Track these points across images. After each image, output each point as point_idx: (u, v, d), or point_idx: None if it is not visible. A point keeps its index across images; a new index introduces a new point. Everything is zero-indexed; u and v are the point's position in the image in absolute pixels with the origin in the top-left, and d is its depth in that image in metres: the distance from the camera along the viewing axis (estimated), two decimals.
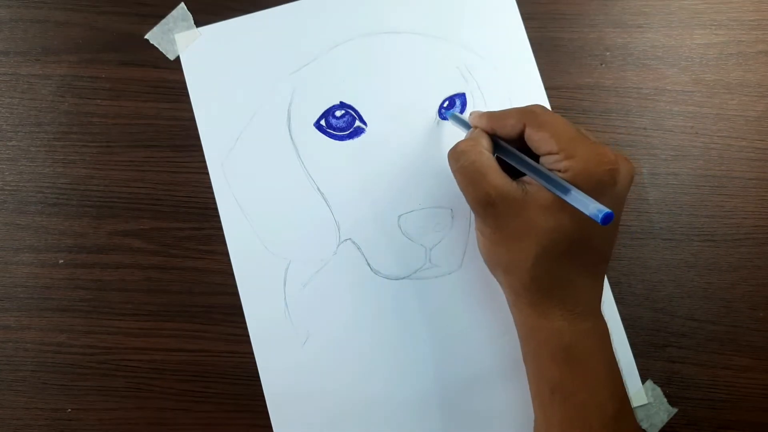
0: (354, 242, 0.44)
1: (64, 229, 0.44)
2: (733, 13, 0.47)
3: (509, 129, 0.37)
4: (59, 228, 0.44)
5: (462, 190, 0.37)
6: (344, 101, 0.45)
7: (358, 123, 0.45)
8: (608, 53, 0.47)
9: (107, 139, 0.45)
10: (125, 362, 0.43)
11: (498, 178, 0.36)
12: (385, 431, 0.42)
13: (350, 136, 0.45)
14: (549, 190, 0.35)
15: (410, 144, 0.44)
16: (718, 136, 0.46)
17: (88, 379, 0.43)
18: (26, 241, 0.44)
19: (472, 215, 0.44)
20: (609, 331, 0.38)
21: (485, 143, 0.38)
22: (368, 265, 0.43)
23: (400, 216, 0.43)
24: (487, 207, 0.36)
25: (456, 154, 0.38)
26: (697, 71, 0.47)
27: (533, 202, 0.35)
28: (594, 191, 0.33)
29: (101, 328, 0.43)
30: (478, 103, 0.45)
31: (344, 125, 0.45)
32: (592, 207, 0.31)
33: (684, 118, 0.46)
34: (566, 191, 0.33)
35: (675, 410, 0.43)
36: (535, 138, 0.36)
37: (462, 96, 0.45)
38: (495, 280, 0.40)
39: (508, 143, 0.38)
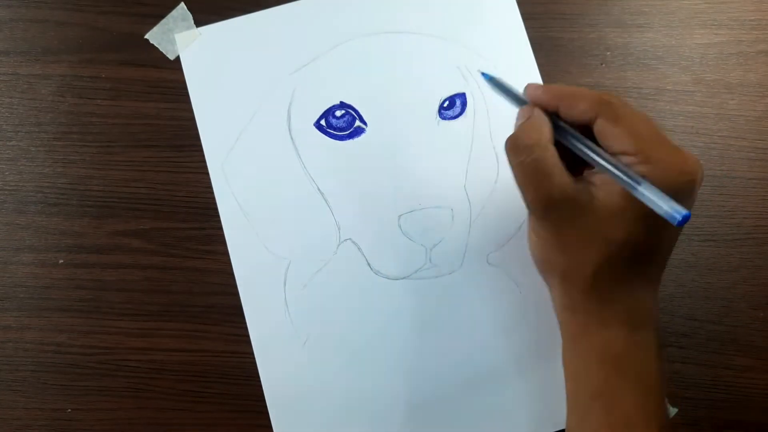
0: (354, 242, 0.44)
1: (64, 229, 0.44)
2: (733, 13, 0.47)
3: (578, 113, 0.33)
4: (59, 228, 0.44)
5: (520, 186, 0.34)
6: (344, 101, 0.45)
7: (358, 123, 0.45)
8: (608, 53, 0.47)
9: (107, 139, 0.45)
10: (125, 362, 0.43)
11: (564, 179, 0.32)
12: (386, 431, 0.42)
13: (350, 136, 0.45)
14: (618, 188, 0.32)
15: (410, 144, 0.44)
16: (718, 136, 0.46)
17: (88, 379, 0.43)
18: (26, 241, 0.44)
19: (473, 215, 0.44)
20: (664, 345, 0.36)
21: (548, 134, 0.33)
22: (368, 265, 0.43)
23: (400, 216, 0.43)
24: (550, 210, 0.33)
25: (517, 148, 0.33)
26: (698, 71, 0.47)
27: (601, 207, 0.32)
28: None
29: (101, 328, 0.43)
30: (478, 103, 0.45)
31: (344, 125, 0.45)
32: (667, 206, 0.29)
33: (684, 117, 0.46)
34: (637, 184, 0.30)
35: (675, 410, 0.43)
36: (610, 133, 0.32)
37: (462, 96, 0.45)
38: (495, 280, 0.40)
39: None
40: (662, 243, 0.34)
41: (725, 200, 0.45)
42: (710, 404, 0.43)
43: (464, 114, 0.45)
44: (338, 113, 0.45)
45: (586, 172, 0.35)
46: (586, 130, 0.33)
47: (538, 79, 0.46)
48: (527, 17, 0.47)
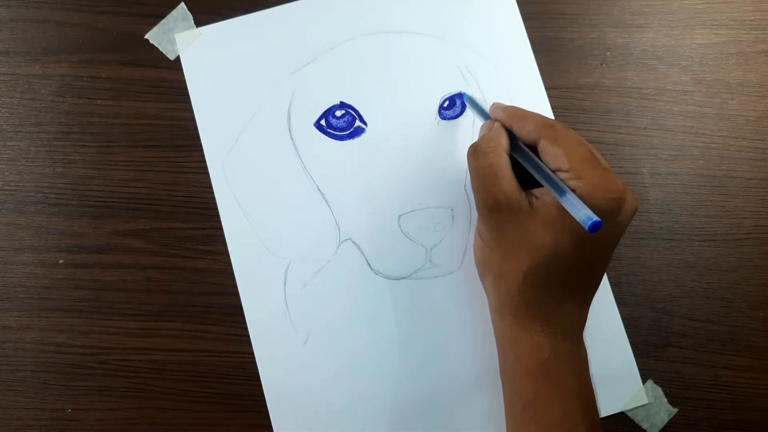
0: (354, 242, 0.44)
1: (64, 229, 0.44)
2: (733, 13, 0.47)
3: (525, 133, 0.38)
4: (59, 228, 0.44)
5: (473, 189, 0.38)
6: (344, 101, 0.45)
7: (358, 123, 0.45)
8: (608, 53, 0.47)
9: (107, 139, 0.45)
10: (125, 362, 0.43)
11: (509, 185, 0.36)
12: (386, 431, 0.42)
13: (350, 136, 0.45)
14: (552, 200, 0.35)
15: (410, 144, 0.44)
16: (718, 136, 0.46)
17: (88, 379, 0.43)
18: (26, 241, 0.44)
19: (473, 215, 0.44)
20: (588, 358, 0.38)
21: (505, 143, 0.38)
22: (368, 265, 0.43)
23: (400, 216, 0.43)
24: (493, 212, 0.36)
25: (476, 153, 0.38)
26: (698, 71, 0.47)
27: (537, 215, 0.35)
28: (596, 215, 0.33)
29: (101, 328, 0.43)
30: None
31: (344, 125, 0.45)
32: (583, 213, 0.31)
33: (684, 117, 0.46)
34: (563, 193, 0.33)
35: (675, 410, 0.43)
36: (549, 152, 0.36)
37: (462, 96, 0.45)
38: None
39: None
40: (589, 261, 0.37)
41: (725, 200, 0.45)
42: (710, 404, 0.43)
43: (464, 114, 0.45)
44: (338, 113, 0.45)
45: (533, 189, 0.37)
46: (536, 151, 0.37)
47: (538, 79, 0.46)
48: (527, 17, 0.47)
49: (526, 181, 0.37)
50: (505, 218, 0.36)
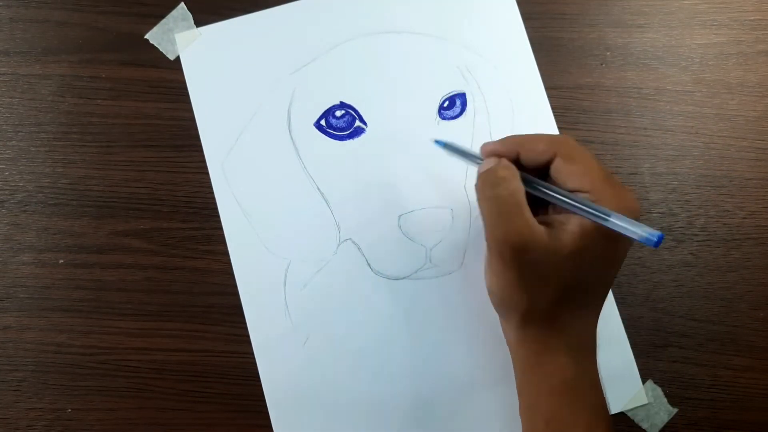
0: (354, 242, 0.44)
1: (64, 229, 0.44)
2: (733, 13, 0.47)
3: (537, 155, 0.35)
4: (59, 228, 0.44)
5: (489, 222, 0.34)
6: (344, 101, 0.45)
7: (358, 123, 0.45)
8: (608, 53, 0.47)
9: (107, 139, 0.45)
10: (125, 362, 0.43)
11: (531, 218, 0.33)
12: (386, 431, 0.42)
13: (350, 136, 0.45)
14: (572, 229, 0.33)
15: (410, 144, 0.44)
16: (718, 136, 0.46)
17: (88, 379, 0.43)
18: (26, 241, 0.44)
19: (473, 215, 0.44)
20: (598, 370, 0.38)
21: (517, 173, 0.35)
22: (368, 265, 0.43)
23: (400, 216, 0.43)
24: (517, 250, 0.33)
25: (493, 180, 0.34)
26: (697, 71, 0.47)
27: (560, 247, 0.33)
28: (614, 238, 0.33)
29: (101, 328, 0.43)
30: (478, 103, 0.45)
31: (344, 125, 0.45)
32: (642, 231, 0.31)
33: (684, 118, 0.46)
34: (607, 216, 0.32)
35: (675, 410, 0.43)
36: (566, 171, 0.34)
37: (462, 95, 0.45)
38: None
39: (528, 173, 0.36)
40: (608, 273, 0.36)
41: (725, 200, 0.45)
42: (710, 404, 0.43)
43: (464, 114, 0.45)
44: (338, 113, 0.45)
45: (541, 216, 0.36)
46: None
47: (538, 79, 0.46)
48: (527, 17, 0.47)
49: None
50: (530, 256, 0.33)
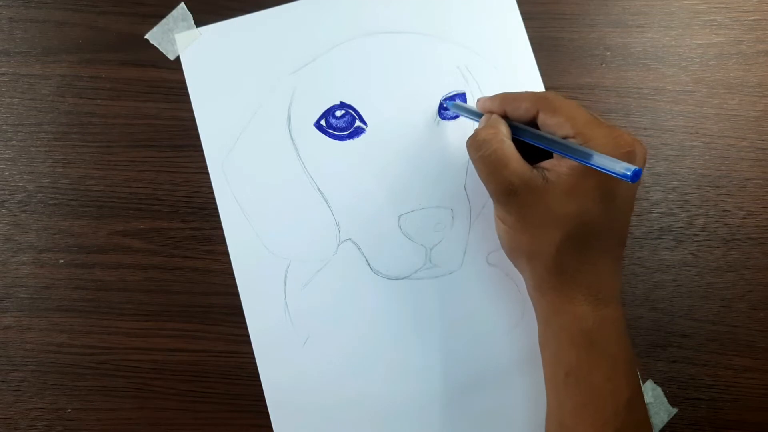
0: (354, 242, 0.44)
1: (64, 229, 0.44)
2: (733, 13, 0.47)
3: (522, 112, 0.38)
4: (59, 228, 0.44)
5: (483, 179, 0.38)
6: (344, 101, 0.45)
7: (358, 123, 0.45)
8: (608, 53, 0.47)
9: (107, 139, 0.45)
10: (125, 362, 0.43)
11: (520, 166, 0.36)
12: (385, 431, 0.42)
13: (350, 136, 0.45)
14: (565, 169, 0.35)
15: (410, 144, 0.44)
16: (718, 136, 0.46)
17: (88, 379, 0.43)
18: (26, 241, 0.44)
19: (473, 215, 0.44)
20: (625, 321, 0.38)
21: (504, 130, 0.38)
22: (368, 265, 0.43)
23: (400, 216, 0.43)
24: (510, 196, 0.36)
25: (477, 143, 0.37)
26: (697, 71, 0.47)
27: (555, 188, 0.35)
28: (608, 177, 0.33)
29: (101, 328, 0.43)
30: None
31: (344, 125, 0.45)
32: (620, 166, 0.31)
33: (684, 118, 0.46)
34: (588, 156, 0.33)
35: (675, 410, 0.43)
36: (551, 122, 0.36)
37: (462, 96, 0.45)
38: (495, 279, 0.40)
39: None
40: (617, 217, 0.37)
41: (725, 200, 0.45)
42: (710, 404, 0.43)
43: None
44: (338, 113, 0.45)
45: (539, 163, 0.37)
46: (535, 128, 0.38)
47: (538, 79, 0.46)
48: (527, 17, 0.47)
49: (531, 160, 0.37)
50: (525, 199, 0.36)
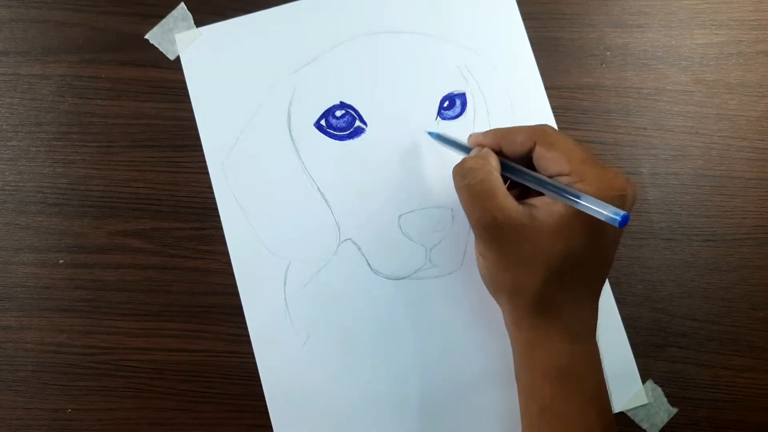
0: (354, 242, 0.44)
1: (64, 229, 0.44)
2: (733, 13, 0.47)
3: (518, 146, 0.37)
4: (59, 228, 0.44)
5: (465, 209, 0.37)
6: (344, 101, 0.45)
7: (358, 123, 0.45)
8: (608, 53, 0.47)
9: (107, 139, 0.45)
10: (125, 362, 0.43)
11: (506, 201, 0.35)
12: (385, 430, 0.42)
13: (350, 136, 0.45)
14: (556, 208, 0.34)
15: (410, 144, 0.44)
16: (718, 136, 0.46)
17: (88, 379, 0.43)
18: (26, 241, 0.44)
19: None
20: (600, 357, 0.38)
21: (494, 162, 0.37)
22: (368, 265, 0.43)
23: (400, 216, 0.43)
24: (493, 231, 0.35)
25: (463, 171, 0.37)
26: (697, 71, 0.47)
27: (541, 227, 0.34)
28: (596, 220, 0.33)
29: (101, 328, 0.43)
30: (478, 103, 0.45)
31: (344, 125, 0.45)
32: (608, 210, 0.31)
33: (684, 118, 0.46)
34: (577, 197, 0.33)
35: (675, 410, 0.43)
36: (547, 157, 0.35)
37: (462, 95, 0.45)
38: None
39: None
40: (601, 257, 0.37)
41: (725, 200, 0.45)
42: (710, 404, 0.43)
43: (464, 114, 0.45)
44: (338, 113, 0.45)
45: (527, 200, 0.37)
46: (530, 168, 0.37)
47: (538, 79, 0.46)
48: (527, 17, 0.47)
49: (519, 196, 0.37)
50: (508, 236, 0.35)
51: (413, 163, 0.44)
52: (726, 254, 0.45)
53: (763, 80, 0.47)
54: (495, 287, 0.38)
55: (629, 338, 0.43)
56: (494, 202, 0.35)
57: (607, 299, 0.44)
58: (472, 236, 0.44)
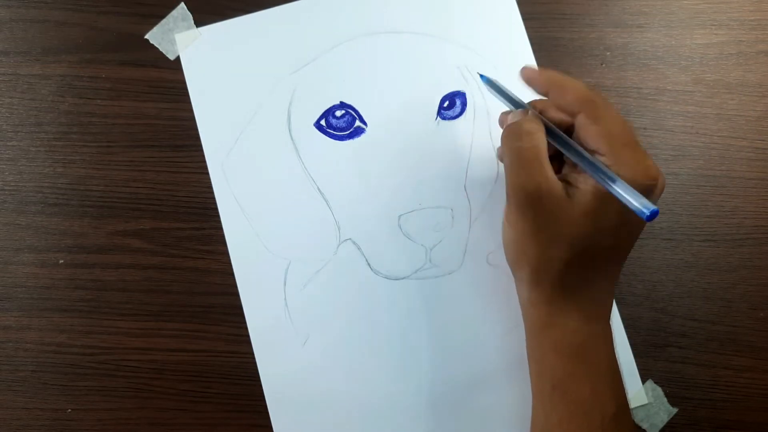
0: (354, 242, 0.44)
1: (64, 229, 0.44)
2: (733, 13, 0.47)
3: (564, 102, 0.36)
4: (59, 228, 0.44)
5: (510, 172, 0.35)
6: (344, 101, 0.45)
7: (358, 123, 0.45)
8: (608, 53, 0.47)
9: (107, 139, 0.45)
10: (125, 362, 0.43)
11: (551, 172, 0.35)
12: (386, 431, 0.42)
13: (350, 136, 0.45)
14: (590, 189, 0.34)
15: (410, 144, 0.44)
16: (718, 136, 0.46)
17: (88, 379, 0.43)
18: (26, 241, 0.44)
19: (473, 215, 0.44)
20: (613, 338, 0.38)
21: (543, 128, 0.36)
22: (368, 265, 0.43)
23: (400, 216, 0.43)
24: (532, 199, 0.34)
25: (518, 132, 0.35)
26: (697, 71, 0.47)
27: (576, 206, 0.34)
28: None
29: (101, 328, 0.43)
30: (478, 103, 0.45)
31: (344, 125, 0.45)
32: (638, 203, 0.31)
33: (684, 118, 0.46)
34: (613, 181, 0.32)
35: (675, 410, 0.43)
36: (589, 131, 0.34)
37: (462, 96, 0.45)
38: (495, 280, 0.40)
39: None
40: (624, 241, 0.37)
41: (725, 200, 0.45)
42: (710, 404, 0.43)
43: (464, 114, 0.45)
44: (338, 113, 0.45)
45: (563, 172, 0.37)
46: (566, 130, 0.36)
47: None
48: (527, 17, 0.47)
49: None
50: (546, 207, 0.34)
51: (413, 163, 0.44)
52: (726, 254, 0.45)
53: (763, 80, 0.47)
54: (518, 259, 0.37)
55: (629, 338, 0.43)
56: (543, 170, 0.34)
57: None
58: (472, 236, 0.44)
